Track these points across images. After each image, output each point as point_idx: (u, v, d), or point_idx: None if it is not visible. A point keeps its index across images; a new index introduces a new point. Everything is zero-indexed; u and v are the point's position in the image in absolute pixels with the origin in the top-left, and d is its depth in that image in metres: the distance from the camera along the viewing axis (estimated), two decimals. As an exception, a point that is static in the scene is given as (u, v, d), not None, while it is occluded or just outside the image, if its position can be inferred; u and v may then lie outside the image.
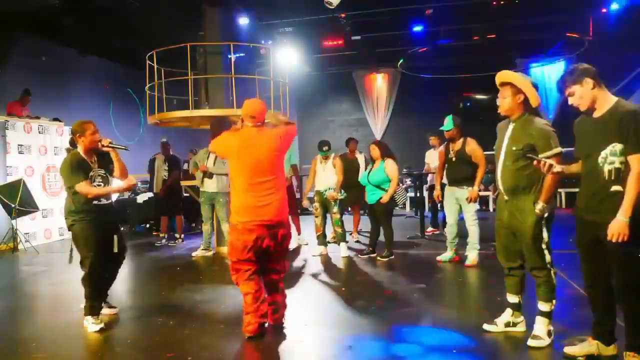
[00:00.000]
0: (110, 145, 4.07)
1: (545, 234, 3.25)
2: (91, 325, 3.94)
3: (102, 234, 4.06)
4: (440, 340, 3.57)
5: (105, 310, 4.28)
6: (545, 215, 3.21)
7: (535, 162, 2.98)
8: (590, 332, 3.05)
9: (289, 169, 7.35)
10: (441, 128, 5.90)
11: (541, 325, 3.28)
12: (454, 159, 5.83)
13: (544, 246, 3.25)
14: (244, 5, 9.21)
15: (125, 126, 11.63)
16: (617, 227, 2.65)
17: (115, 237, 4.16)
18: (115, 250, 4.16)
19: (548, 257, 3.27)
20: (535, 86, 3.26)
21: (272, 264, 3.80)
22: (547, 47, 12.39)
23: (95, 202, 4.04)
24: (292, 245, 7.52)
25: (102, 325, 3.95)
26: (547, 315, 3.28)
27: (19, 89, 8.71)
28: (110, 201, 4.29)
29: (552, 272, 3.29)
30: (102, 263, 4.06)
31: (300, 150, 13.00)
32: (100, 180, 4.11)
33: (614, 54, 9.92)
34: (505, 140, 3.32)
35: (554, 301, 3.29)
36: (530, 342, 3.25)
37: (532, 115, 3.27)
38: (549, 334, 3.27)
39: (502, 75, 3.34)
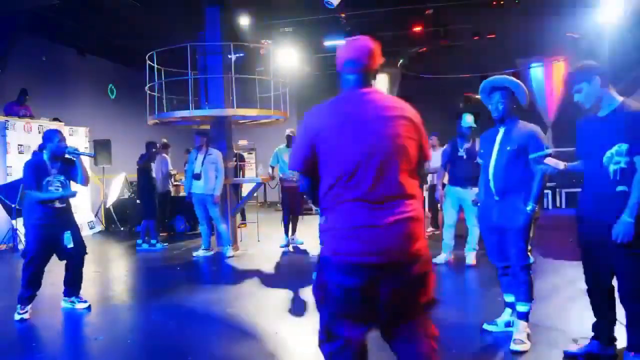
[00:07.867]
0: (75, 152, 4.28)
1: (531, 234, 3.27)
2: (16, 314, 4.20)
3: (52, 234, 4.29)
4: (440, 340, 3.56)
5: (79, 305, 4.55)
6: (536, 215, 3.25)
7: (545, 160, 3.03)
8: (590, 332, 3.04)
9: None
10: (462, 125, 5.73)
11: (522, 329, 3.26)
12: (464, 156, 5.70)
13: (529, 246, 3.27)
14: (244, 5, 9.20)
15: (126, 126, 11.63)
16: (622, 228, 2.65)
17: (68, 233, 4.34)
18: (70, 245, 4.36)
19: (532, 257, 3.29)
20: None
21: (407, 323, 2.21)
22: (547, 47, 12.38)
23: (50, 205, 4.24)
24: (289, 246, 7.54)
25: (25, 316, 4.22)
26: (526, 317, 3.28)
27: (19, 89, 8.70)
28: (64, 205, 4.38)
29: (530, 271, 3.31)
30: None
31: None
32: (59, 185, 4.27)
33: (614, 54, 9.90)
34: (496, 143, 3.35)
35: (532, 301, 3.30)
36: (515, 347, 3.20)
37: (519, 120, 3.37)
38: (528, 337, 3.26)
39: (502, 80, 3.35)
